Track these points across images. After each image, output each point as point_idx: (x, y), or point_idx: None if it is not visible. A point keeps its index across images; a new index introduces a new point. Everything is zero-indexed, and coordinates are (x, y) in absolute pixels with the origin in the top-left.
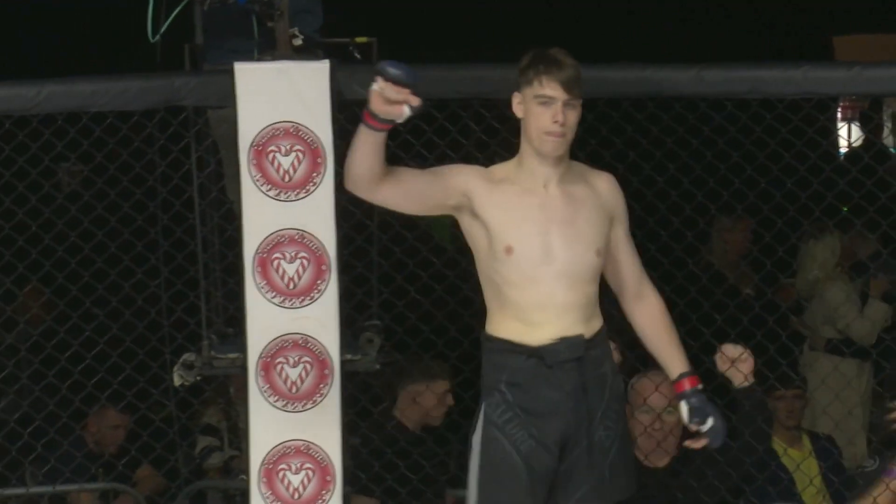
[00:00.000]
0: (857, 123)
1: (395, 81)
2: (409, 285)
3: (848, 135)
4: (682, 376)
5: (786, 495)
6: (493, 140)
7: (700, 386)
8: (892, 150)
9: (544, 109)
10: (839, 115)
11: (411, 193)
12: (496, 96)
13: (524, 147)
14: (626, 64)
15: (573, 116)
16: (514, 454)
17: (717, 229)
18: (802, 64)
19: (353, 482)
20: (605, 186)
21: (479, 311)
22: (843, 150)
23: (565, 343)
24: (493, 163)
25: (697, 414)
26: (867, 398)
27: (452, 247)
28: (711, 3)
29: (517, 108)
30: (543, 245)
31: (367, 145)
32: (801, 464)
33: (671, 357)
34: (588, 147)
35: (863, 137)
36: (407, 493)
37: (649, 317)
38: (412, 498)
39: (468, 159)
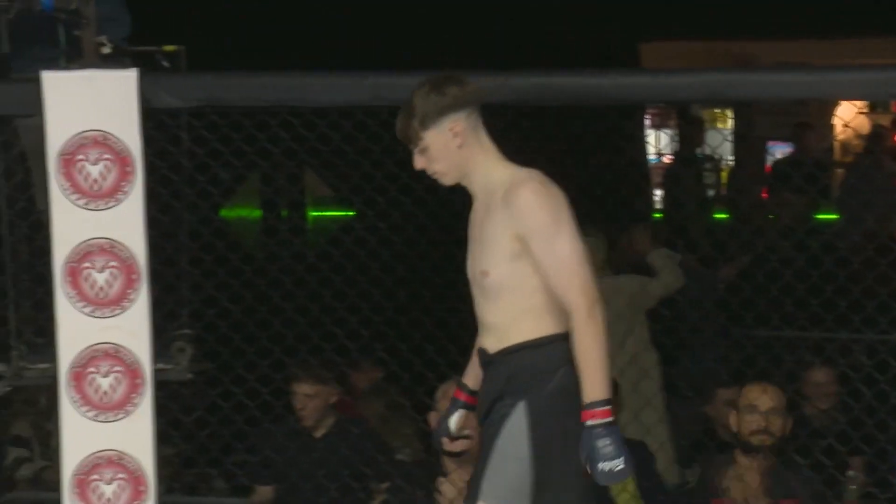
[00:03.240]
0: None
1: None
2: (219, 294)
3: (656, 141)
4: (585, 407)
5: (600, 500)
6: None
7: (601, 420)
8: (698, 155)
9: None
10: (647, 121)
11: None
12: (302, 104)
13: None
14: (427, 71)
15: (423, 159)
16: None
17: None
18: (608, 71)
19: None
20: (516, 201)
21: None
22: (653, 156)
23: (480, 352)
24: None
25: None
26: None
27: (262, 255)
28: (518, 10)
29: None
30: (470, 263)
31: None
32: None
33: (583, 383)
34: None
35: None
36: None
37: (572, 336)
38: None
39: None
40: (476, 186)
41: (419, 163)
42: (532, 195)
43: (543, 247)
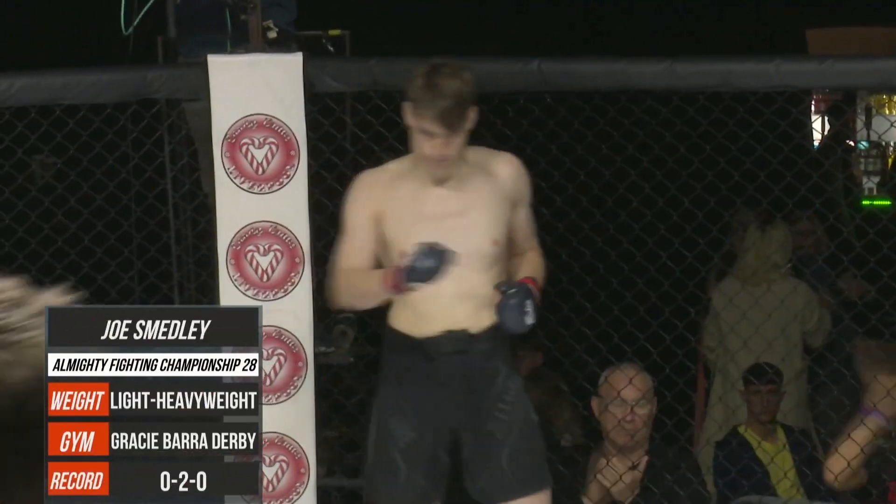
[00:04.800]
0: (829, 116)
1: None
2: None
3: (822, 127)
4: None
5: (760, 488)
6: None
7: (531, 286)
8: (863, 143)
9: (426, 138)
10: (812, 107)
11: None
12: None
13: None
14: (597, 57)
15: (455, 144)
16: (393, 449)
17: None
18: (775, 57)
19: None
20: (506, 172)
21: None
22: (817, 142)
23: (449, 336)
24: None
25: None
26: None
27: None
28: None
29: (406, 116)
30: (436, 239)
31: (378, 299)
32: (776, 457)
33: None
34: (559, 140)
35: (833, 131)
36: None
37: (521, 257)
38: None
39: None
40: (452, 170)
41: (440, 148)
42: (517, 163)
43: (527, 210)
